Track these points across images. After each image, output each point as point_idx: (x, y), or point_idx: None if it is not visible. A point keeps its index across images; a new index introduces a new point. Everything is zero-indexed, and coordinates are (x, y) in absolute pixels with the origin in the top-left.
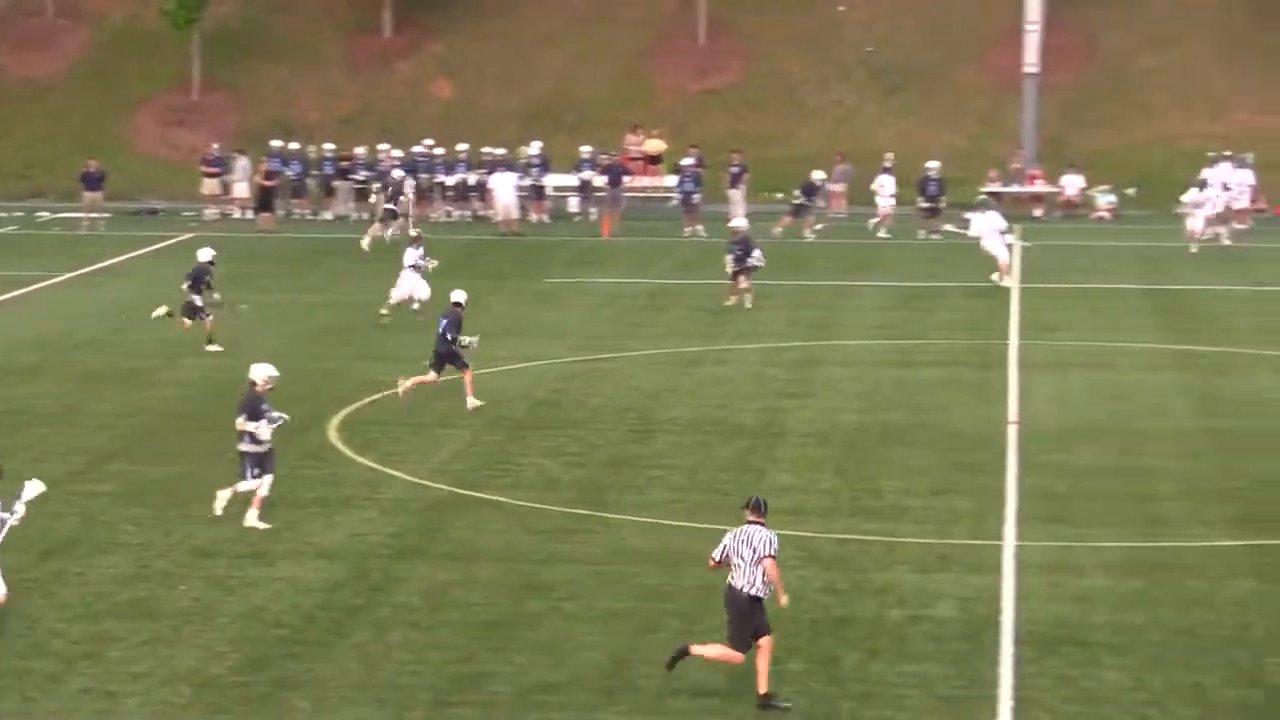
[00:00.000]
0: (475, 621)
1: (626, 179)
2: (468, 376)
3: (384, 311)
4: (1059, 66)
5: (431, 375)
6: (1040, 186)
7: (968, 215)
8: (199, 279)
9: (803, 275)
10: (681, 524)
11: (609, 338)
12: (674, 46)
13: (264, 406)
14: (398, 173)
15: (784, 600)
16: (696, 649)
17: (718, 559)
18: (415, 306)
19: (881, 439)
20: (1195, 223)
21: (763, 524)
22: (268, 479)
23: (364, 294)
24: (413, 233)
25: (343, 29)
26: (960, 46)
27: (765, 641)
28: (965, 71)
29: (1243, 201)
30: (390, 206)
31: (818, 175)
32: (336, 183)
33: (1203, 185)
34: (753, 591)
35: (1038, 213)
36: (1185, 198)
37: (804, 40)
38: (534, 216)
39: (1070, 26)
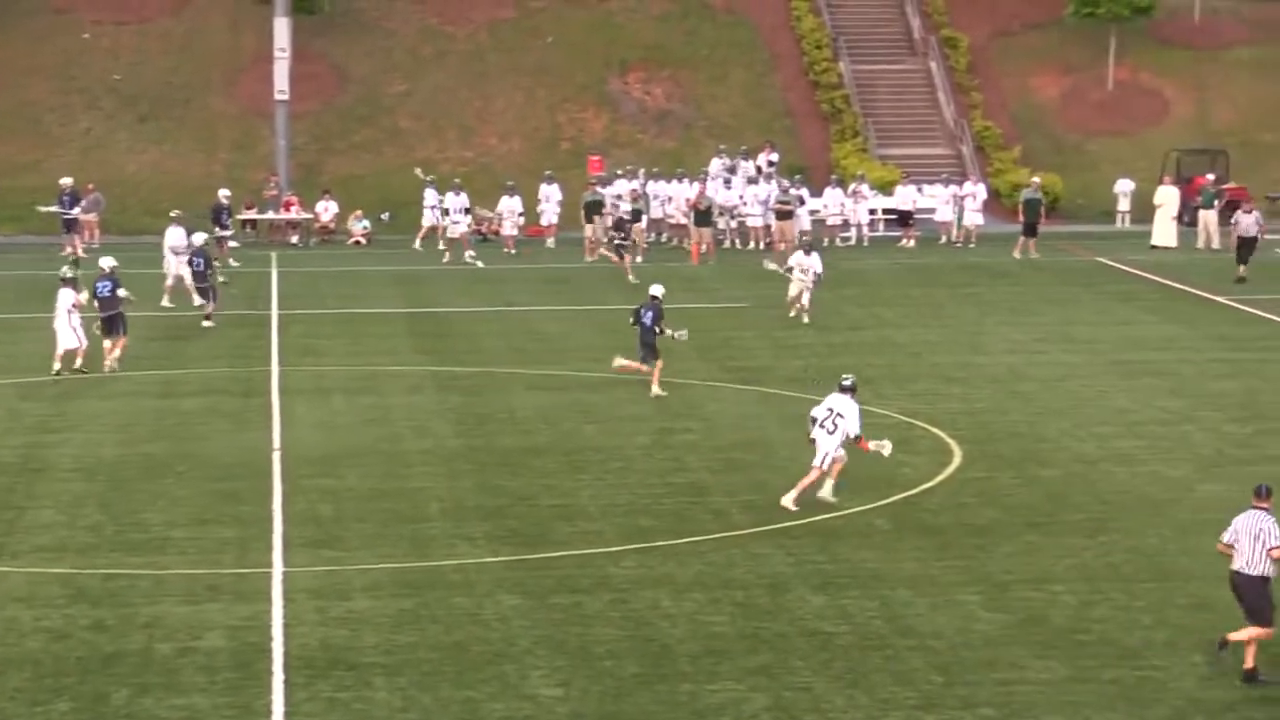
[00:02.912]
0: None
1: None
2: (658, 367)
3: (57, 370)
4: (310, 93)
5: (644, 365)
6: (296, 213)
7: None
8: None
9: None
10: None
11: None
12: None
13: None
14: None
15: None
16: (1234, 636)
17: (1226, 541)
18: (79, 362)
19: (144, 471)
20: (795, 288)
21: (1266, 509)
22: None
23: None
24: (67, 273)
25: None
26: (210, 73)
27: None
28: (217, 98)
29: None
30: None
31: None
32: None
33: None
34: (1257, 572)
35: (294, 239)
36: (792, 260)
37: (49, 68)
38: None
39: (320, 54)
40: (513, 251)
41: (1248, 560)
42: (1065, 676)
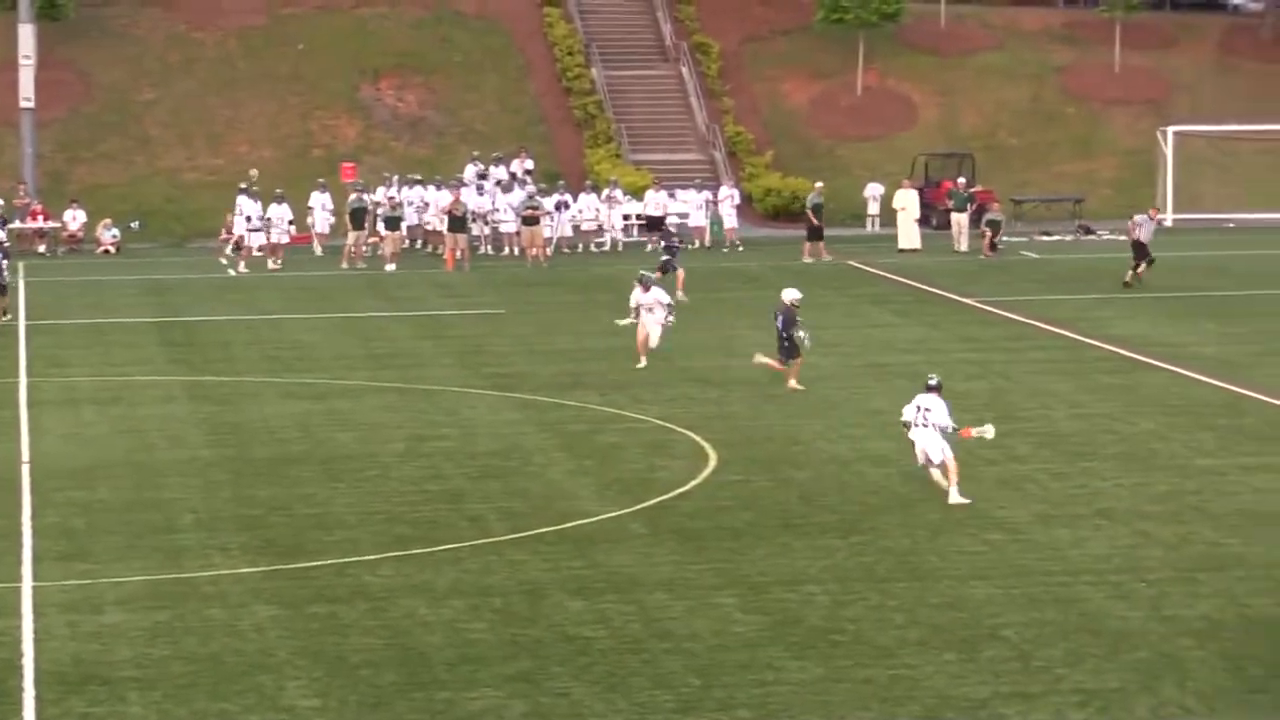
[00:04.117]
0: None
1: None
2: (796, 364)
3: None
4: (56, 101)
5: (778, 362)
6: (43, 222)
7: None
8: None
9: None
10: None
11: None
12: None
13: None
14: None
15: None
16: None
17: None
18: None
19: None
20: (655, 333)
21: None
22: None
23: None
24: None
25: None
26: None
27: None
28: None
29: (283, 236)
30: None
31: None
32: None
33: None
34: None
35: (41, 249)
36: (632, 300)
37: None
38: None
39: (66, 60)
40: (278, 263)
41: None
42: (820, 676)
